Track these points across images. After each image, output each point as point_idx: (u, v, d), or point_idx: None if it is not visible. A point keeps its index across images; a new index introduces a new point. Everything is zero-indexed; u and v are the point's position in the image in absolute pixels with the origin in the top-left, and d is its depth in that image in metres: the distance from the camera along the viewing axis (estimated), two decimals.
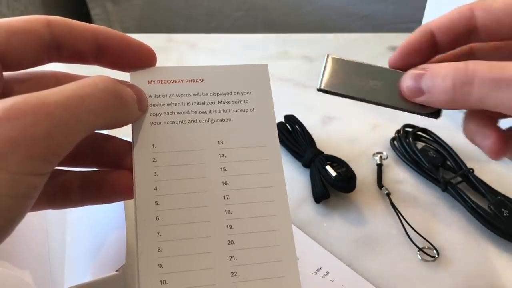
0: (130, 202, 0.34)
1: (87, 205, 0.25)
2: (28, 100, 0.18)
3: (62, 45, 0.23)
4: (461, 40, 0.26)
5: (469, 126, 0.27)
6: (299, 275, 0.23)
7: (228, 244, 0.23)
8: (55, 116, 0.18)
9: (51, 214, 0.35)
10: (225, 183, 0.24)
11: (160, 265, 0.22)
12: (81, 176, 0.25)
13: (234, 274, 0.23)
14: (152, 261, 0.22)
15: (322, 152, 0.41)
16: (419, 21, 0.47)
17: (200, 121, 0.25)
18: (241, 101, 0.26)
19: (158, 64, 0.25)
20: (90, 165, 0.25)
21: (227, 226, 0.23)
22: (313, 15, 0.86)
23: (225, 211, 0.24)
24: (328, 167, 0.39)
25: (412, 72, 0.25)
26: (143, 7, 0.90)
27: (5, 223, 0.18)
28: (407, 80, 0.25)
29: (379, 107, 0.26)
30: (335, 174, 0.38)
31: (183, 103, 0.25)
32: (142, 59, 0.25)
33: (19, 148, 0.17)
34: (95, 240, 0.32)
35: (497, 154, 0.26)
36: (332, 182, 0.38)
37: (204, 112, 0.25)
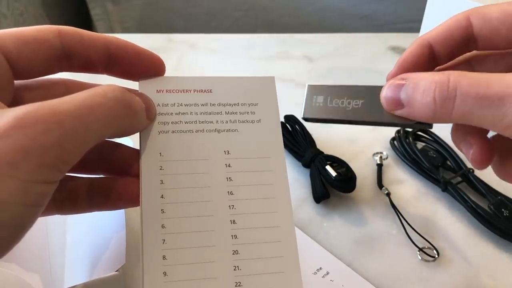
0: None
1: (94, 211, 0.26)
2: (39, 109, 0.18)
3: (73, 55, 0.23)
4: (459, 50, 0.25)
5: (455, 133, 0.26)
6: (302, 285, 0.23)
7: (233, 254, 0.23)
8: (66, 125, 0.19)
9: None
10: (231, 193, 0.24)
11: (164, 273, 0.22)
12: (88, 183, 0.25)
13: (239, 284, 0.23)
14: (157, 269, 0.22)
15: (322, 152, 0.41)
16: (419, 21, 0.47)
17: (207, 131, 0.25)
18: (248, 112, 0.26)
19: None
20: (98, 172, 0.26)
21: (232, 236, 0.23)
22: (313, 15, 0.86)
23: (230, 221, 0.24)
24: (328, 167, 0.39)
25: (390, 82, 0.24)
26: (143, 7, 0.90)
27: (16, 230, 0.19)
28: (386, 90, 0.24)
29: None
30: (335, 174, 0.38)
31: (191, 113, 0.25)
32: (151, 69, 0.25)
33: (30, 156, 0.18)
34: (95, 240, 0.32)
35: (480, 164, 0.26)
36: (332, 182, 0.38)
37: (211, 122, 0.25)
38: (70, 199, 0.25)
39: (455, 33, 0.25)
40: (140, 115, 0.23)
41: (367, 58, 0.58)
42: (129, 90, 0.23)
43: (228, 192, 0.24)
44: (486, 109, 0.20)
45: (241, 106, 0.26)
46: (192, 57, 0.58)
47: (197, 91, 0.26)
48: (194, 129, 0.25)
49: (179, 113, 0.25)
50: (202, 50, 0.60)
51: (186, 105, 0.25)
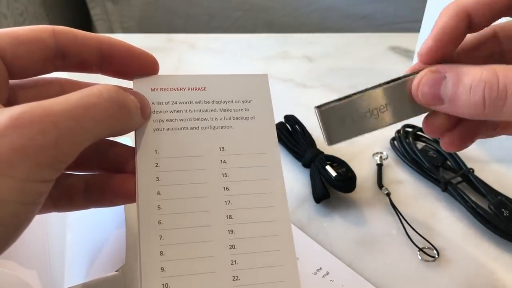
0: None
1: (91, 208, 0.26)
2: (34, 109, 0.19)
3: (67, 54, 0.24)
4: (498, 18, 0.23)
5: (431, 119, 0.25)
6: (299, 279, 0.23)
7: (230, 248, 0.23)
8: (61, 125, 0.19)
9: (51, 214, 0.35)
10: (227, 189, 0.24)
11: (162, 269, 0.22)
12: (85, 180, 0.25)
13: (236, 278, 0.23)
14: (154, 265, 0.22)
15: (322, 152, 0.41)
16: (419, 21, 0.47)
17: (202, 128, 0.25)
18: (242, 109, 0.26)
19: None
20: (94, 169, 0.26)
21: (229, 230, 0.24)
22: (313, 15, 0.86)
23: (227, 216, 0.24)
24: (328, 167, 0.39)
25: (428, 76, 0.22)
26: (143, 7, 0.90)
27: (13, 228, 0.19)
28: (423, 86, 0.22)
29: None
30: (335, 174, 0.38)
31: (185, 111, 0.25)
32: (145, 68, 0.26)
33: (27, 156, 0.18)
34: (95, 240, 0.32)
35: (451, 147, 0.26)
36: (332, 182, 0.38)
37: (206, 119, 0.25)
38: (67, 196, 0.25)
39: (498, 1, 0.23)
40: (134, 115, 0.23)
41: (367, 58, 0.58)
42: (124, 89, 0.23)
43: (224, 187, 0.24)
44: None
45: (235, 103, 0.26)
46: (192, 57, 0.58)
47: (191, 89, 0.26)
48: (189, 127, 0.25)
49: (174, 111, 0.25)
50: (202, 50, 0.60)
51: (180, 103, 0.25)
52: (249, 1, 0.86)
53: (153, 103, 0.25)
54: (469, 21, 0.23)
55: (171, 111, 0.25)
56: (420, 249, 0.35)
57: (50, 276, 0.32)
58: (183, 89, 0.26)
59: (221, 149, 0.25)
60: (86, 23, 0.94)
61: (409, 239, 0.36)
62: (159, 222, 0.23)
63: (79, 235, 0.34)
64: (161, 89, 0.26)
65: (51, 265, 0.33)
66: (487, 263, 0.35)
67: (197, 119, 0.25)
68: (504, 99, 0.20)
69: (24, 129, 0.18)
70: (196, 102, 0.26)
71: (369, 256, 0.35)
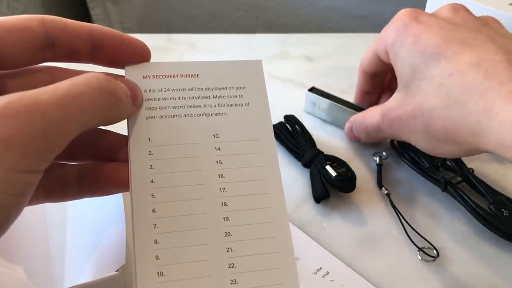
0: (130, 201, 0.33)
1: (84, 197, 0.25)
2: (21, 98, 0.18)
3: (57, 44, 0.23)
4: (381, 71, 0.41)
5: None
6: (296, 267, 0.23)
7: (225, 236, 0.23)
8: (49, 115, 0.19)
9: (51, 214, 0.35)
10: (221, 176, 0.24)
11: (157, 257, 0.22)
12: (77, 169, 0.25)
13: (232, 265, 0.23)
14: (149, 253, 0.22)
15: (322, 152, 0.41)
16: None
17: (196, 115, 0.25)
18: (235, 96, 0.26)
19: None
20: (86, 158, 0.26)
21: (224, 218, 0.23)
22: (313, 15, 0.86)
23: (222, 203, 0.24)
24: (328, 167, 0.39)
25: (346, 125, 0.43)
26: (143, 7, 0.90)
27: (1, 220, 0.19)
28: (345, 131, 0.43)
29: None
30: (335, 174, 0.38)
31: (178, 98, 0.25)
32: (137, 56, 0.25)
33: (14, 146, 0.18)
34: (95, 240, 0.32)
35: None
36: (332, 182, 0.38)
37: (199, 106, 0.25)
38: (60, 186, 0.25)
39: (378, 60, 0.40)
40: (125, 103, 0.23)
41: None
42: (115, 77, 0.23)
43: (219, 175, 0.24)
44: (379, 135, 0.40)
45: (228, 89, 0.26)
46: (192, 57, 0.58)
47: (184, 76, 0.26)
48: (182, 114, 0.25)
49: (167, 98, 0.25)
50: (202, 50, 0.59)
51: (173, 90, 0.25)
52: (250, 1, 0.86)
53: (145, 90, 0.25)
54: (370, 75, 0.42)
55: (163, 99, 0.25)
56: (420, 249, 0.35)
57: (50, 276, 0.32)
58: (175, 76, 0.26)
59: (215, 136, 0.25)
60: None
61: (409, 239, 0.36)
62: (153, 211, 0.23)
63: (79, 234, 0.34)
64: (153, 76, 0.25)
65: (51, 265, 0.33)
66: (487, 263, 0.35)
67: (190, 106, 0.25)
68: (379, 131, 0.38)
69: (11, 119, 0.18)
70: (189, 89, 0.25)
71: (369, 256, 0.35)
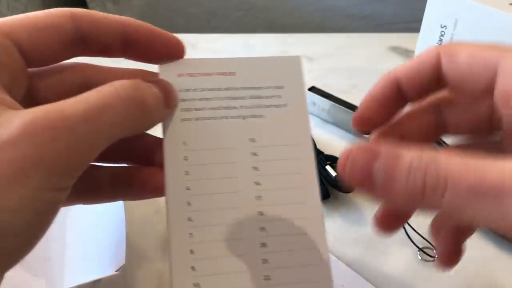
0: (130, 201, 0.34)
1: (117, 200, 0.25)
2: (47, 113, 0.18)
3: (87, 39, 0.22)
4: (429, 88, 0.22)
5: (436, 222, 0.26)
6: (331, 269, 0.23)
7: (261, 246, 0.22)
8: (75, 130, 0.18)
9: None
10: (257, 183, 0.23)
11: (193, 268, 0.21)
12: (111, 172, 0.24)
13: (267, 277, 0.22)
14: (185, 264, 0.22)
15: (322, 152, 0.41)
16: (419, 21, 0.47)
17: (232, 117, 0.24)
18: (273, 96, 0.24)
19: None
20: (121, 161, 0.25)
21: (260, 228, 0.23)
22: (313, 15, 0.86)
23: (258, 212, 0.23)
24: (328, 167, 0.39)
25: (358, 153, 0.18)
26: (143, 7, 0.90)
27: (28, 239, 0.18)
28: (352, 164, 0.18)
29: None
30: (335, 174, 0.38)
31: (214, 98, 0.24)
32: (170, 51, 0.24)
33: (40, 165, 0.17)
34: (95, 240, 0.32)
35: (445, 264, 0.26)
36: (332, 182, 0.38)
37: (235, 107, 0.24)
38: (92, 188, 0.24)
39: (424, 70, 0.21)
40: (154, 112, 0.22)
41: (367, 58, 0.58)
42: (147, 78, 0.22)
43: (255, 182, 0.23)
44: (479, 203, 0.16)
45: (266, 89, 0.24)
46: (192, 57, 0.58)
47: (220, 74, 0.24)
48: (219, 116, 0.23)
49: (202, 98, 0.24)
50: (202, 50, 0.59)
51: (209, 89, 0.24)
52: (250, 1, 0.86)
53: (180, 90, 0.23)
54: (399, 89, 0.22)
55: (199, 99, 0.23)
56: (420, 249, 0.35)
57: (50, 277, 0.32)
58: (212, 75, 0.24)
59: (252, 140, 0.24)
60: None
61: (409, 239, 0.36)
62: (189, 219, 0.22)
63: (79, 235, 0.34)
64: (188, 75, 0.24)
65: (51, 265, 0.33)
66: (487, 263, 0.35)
67: (226, 108, 0.24)
68: (443, 189, 0.16)
69: (36, 136, 0.17)
70: (225, 89, 0.24)
71: (369, 256, 0.35)
